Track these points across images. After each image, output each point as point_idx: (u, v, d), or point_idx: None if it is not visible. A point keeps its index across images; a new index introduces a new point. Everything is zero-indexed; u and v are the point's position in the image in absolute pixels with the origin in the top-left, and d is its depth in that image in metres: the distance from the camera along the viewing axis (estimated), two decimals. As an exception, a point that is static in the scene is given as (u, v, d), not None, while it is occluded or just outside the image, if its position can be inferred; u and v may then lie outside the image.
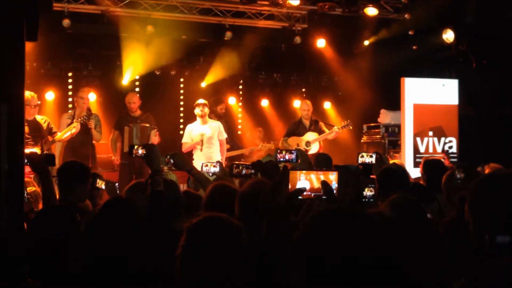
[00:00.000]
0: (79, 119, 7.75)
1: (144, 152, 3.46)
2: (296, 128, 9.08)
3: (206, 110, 8.28)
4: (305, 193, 2.02)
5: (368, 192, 3.63)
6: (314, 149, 8.77)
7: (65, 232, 2.70)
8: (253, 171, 4.03)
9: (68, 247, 2.66)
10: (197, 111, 8.25)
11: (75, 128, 7.61)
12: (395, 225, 2.15)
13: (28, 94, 7.23)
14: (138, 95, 8.84)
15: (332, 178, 1.97)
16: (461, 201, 2.46)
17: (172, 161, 4.35)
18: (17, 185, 2.84)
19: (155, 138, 8.41)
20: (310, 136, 8.90)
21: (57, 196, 3.73)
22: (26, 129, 7.04)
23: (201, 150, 8.17)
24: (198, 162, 7.93)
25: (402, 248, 1.59)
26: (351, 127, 9.10)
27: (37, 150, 7.16)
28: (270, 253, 1.94)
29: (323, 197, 2.02)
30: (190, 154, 8.48)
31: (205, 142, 8.20)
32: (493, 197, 1.80)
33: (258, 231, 2.25)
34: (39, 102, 7.60)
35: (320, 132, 8.94)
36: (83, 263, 2.57)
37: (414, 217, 2.53)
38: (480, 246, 1.85)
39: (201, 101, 8.30)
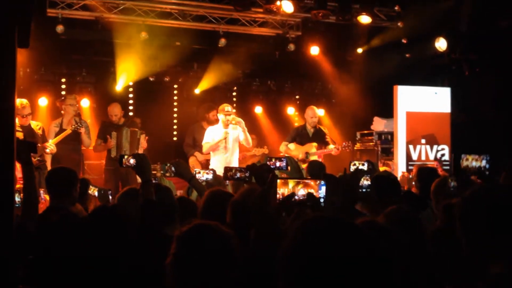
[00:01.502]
0: (72, 126, 7.74)
1: (135, 162, 3.46)
2: (299, 135, 8.78)
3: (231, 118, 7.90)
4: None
5: (364, 181, 3.67)
6: None
7: (64, 237, 2.68)
8: (247, 174, 4.01)
9: (66, 252, 2.65)
10: (222, 117, 7.83)
11: (66, 133, 7.66)
12: (385, 233, 2.16)
13: (18, 103, 7.19)
14: (119, 105, 8.71)
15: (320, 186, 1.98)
16: (445, 210, 2.47)
17: (173, 168, 4.33)
18: (7, 191, 2.83)
19: (144, 143, 8.34)
20: (310, 147, 8.71)
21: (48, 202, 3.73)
22: (21, 135, 7.03)
23: (225, 148, 7.79)
24: (217, 166, 7.77)
25: (392, 256, 1.59)
26: (349, 149, 8.72)
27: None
28: (258, 260, 1.94)
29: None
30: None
31: (230, 144, 7.83)
32: (480, 214, 1.82)
33: (249, 238, 2.26)
34: (30, 112, 7.53)
35: (323, 141, 8.63)
36: (74, 269, 2.57)
37: (411, 229, 2.54)
38: (472, 260, 1.85)
39: (228, 108, 7.89)
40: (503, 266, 1.73)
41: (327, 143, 8.62)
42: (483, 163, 2.02)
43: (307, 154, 8.61)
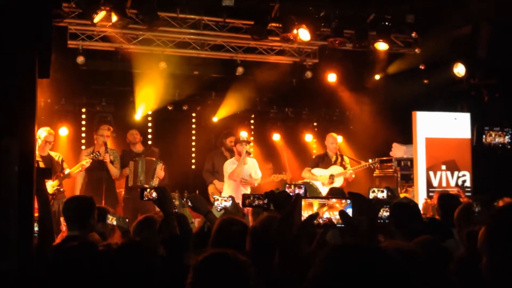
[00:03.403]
0: (91, 155, 7.84)
1: (157, 195, 3.46)
2: (321, 161, 9.00)
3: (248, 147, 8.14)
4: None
5: (384, 212, 3.61)
6: (338, 183, 8.69)
7: (82, 269, 2.67)
8: (265, 201, 3.98)
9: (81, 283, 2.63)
10: (241, 148, 8.03)
11: (85, 163, 7.73)
12: (414, 258, 2.10)
13: (47, 132, 7.42)
14: (136, 130, 8.99)
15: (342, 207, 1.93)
16: (469, 238, 2.41)
17: (189, 203, 4.33)
18: (27, 221, 2.84)
19: (161, 173, 8.40)
20: (335, 169, 8.82)
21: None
22: (41, 164, 7.13)
23: (244, 163, 8.00)
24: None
25: (422, 282, 1.53)
26: (378, 166, 9.13)
27: (50, 184, 7.27)
28: (282, 285, 1.89)
29: (337, 225, 1.97)
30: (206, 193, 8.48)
31: (244, 177, 8.06)
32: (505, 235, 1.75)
33: (269, 266, 2.21)
34: (52, 141, 7.75)
35: (344, 167, 8.86)
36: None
37: (440, 260, 2.48)
38: (496, 284, 1.78)
39: (244, 134, 8.15)
40: None
41: (346, 167, 8.90)
42: (506, 138, 1.95)
43: (331, 176, 8.68)
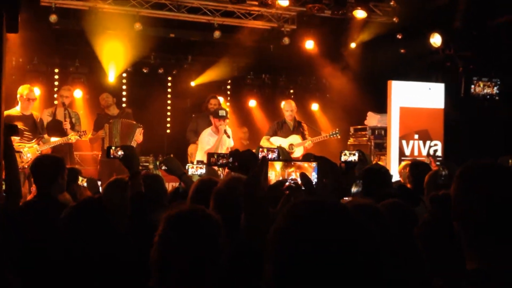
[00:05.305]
0: (78, 132, 7.70)
1: (123, 153, 3.42)
2: (279, 128, 8.80)
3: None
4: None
5: (355, 188, 3.66)
6: (297, 153, 8.64)
7: (49, 227, 2.65)
8: (230, 159, 3.97)
9: (51, 243, 2.62)
10: (218, 124, 7.65)
11: (73, 138, 7.61)
12: (374, 214, 2.13)
13: (27, 89, 7.28)
14: (108, 93, 8.79)
15: (312, 169, 1.95)
16: (432, 202, 2.45)
17: (164, 166, 4.30)
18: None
19: (139, 137, 8.32)
20: (294, 139, 8.73)
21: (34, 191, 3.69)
22: (20, 124, 6.98)
23: (227, 136, 7.75)
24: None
25: (382, 239, 1.55)
26: (339, 136, 8.85)
27: (33, 145, 7.20)
28: (248, 246, 1.91)
29: (303, 188, 1.99)
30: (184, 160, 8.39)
31: (221, 147, 7.79)
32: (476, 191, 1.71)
33: (233, 227, 2.23)
34: (35, 98, 7.59)
35: (302, 135, 8.75)
36: (61, 259, 2.54)
37: (407, 223, 2.51)
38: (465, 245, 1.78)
39: (223, 113, 7.73)
40: (479, 262, 1.66)
41: (305, 135, 8.73)
42: (495, 89, 1.95)
43: (291, 146, 8.64)
